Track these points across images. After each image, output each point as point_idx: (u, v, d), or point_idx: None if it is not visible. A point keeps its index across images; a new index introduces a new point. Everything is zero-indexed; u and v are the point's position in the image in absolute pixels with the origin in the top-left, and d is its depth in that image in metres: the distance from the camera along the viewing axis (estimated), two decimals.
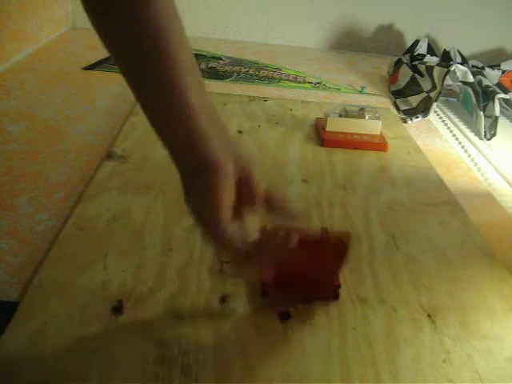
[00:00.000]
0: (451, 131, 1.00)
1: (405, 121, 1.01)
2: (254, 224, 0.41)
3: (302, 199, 0.66)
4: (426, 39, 1.36)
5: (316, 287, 0.48)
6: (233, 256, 0.40)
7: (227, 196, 0.37)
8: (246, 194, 0.39)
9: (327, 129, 0.84)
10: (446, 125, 1.03)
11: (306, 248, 0.42)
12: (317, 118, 0.91)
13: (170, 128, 0.37)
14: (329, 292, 0.48)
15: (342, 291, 0.48)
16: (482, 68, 1.21)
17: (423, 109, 1.04)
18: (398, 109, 1.08)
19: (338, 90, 1.19)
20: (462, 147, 0.93)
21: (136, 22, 0.34)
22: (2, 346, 0.39)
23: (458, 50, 1.27)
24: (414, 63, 1.19)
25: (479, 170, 0.84)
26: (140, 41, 0.35)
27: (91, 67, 1.15)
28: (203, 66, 1.25)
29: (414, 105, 1.07)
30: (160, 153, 0.72)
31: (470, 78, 1.04)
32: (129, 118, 0.83)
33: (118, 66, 0.37)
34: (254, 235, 0.40)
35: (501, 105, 1.02)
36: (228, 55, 1.36)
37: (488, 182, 0.80)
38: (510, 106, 1.09)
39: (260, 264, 0.42)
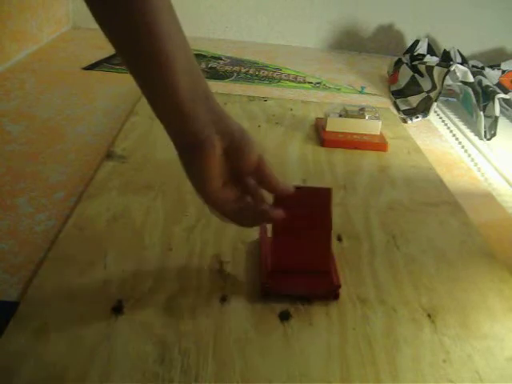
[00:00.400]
0: (451, 131, 1.00)
1: (405, 121, 1.01)
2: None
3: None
4: (426, 39, 1.36)
5: (314, 261, 0.48)
6: (222, 216, 0.45)
7: (213, 167, 0.41)
8: (238, 163, 0.43)
9: (327, 129, 0.84)
10: (445, 125, 1.03)
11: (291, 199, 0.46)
12: (317, 118, 0.91)
13: (163, 111, 0.41)
14: (325, 266, 0.48)
15: (342, 291, 0.48)
16: (482, 68, 1.21)
17: (423, 109, 1.04)
18: (398, 109, 1.08)
19: (338, 90, 1.19)
20: (462, 147, 0.93)
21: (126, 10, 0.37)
22: (2, 346, 0.39)
23: (458, 50, 1.27)
24: (413, 63, 1.19)
25: (479, 169, 0.84)
26: (130, 26, 0.38)
27: (91, 67, 1.15)
28: (203, 65, 1.25)
29: (414, 105, 1.07)
30: (160, 153, 0.72)
31: (470, 78, 1.04)
32: (129, 118, 0.83)
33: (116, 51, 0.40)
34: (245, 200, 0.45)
35: (501, 105, 1.02)
36: (228, 55, 1.36)
37: (488, 181, 0.80)
38: (510, 106, 1.09)
39: (242, 224, 0.46)
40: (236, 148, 0.42)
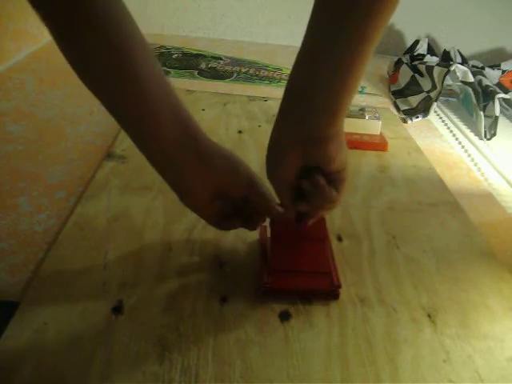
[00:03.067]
0: (451, 131, 1.00)
1: (405, 121, 1.01)
2: None
3: None
4: (426, 39, 1.35)
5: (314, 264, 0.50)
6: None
7: (199, 203, 0.46)
8: (226, 193, 0.46)
9: None
10: (446, 125, 1.03)
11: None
12: None
13: (151, 159, 0.43)
14: (326, 268, 0.49)
15: (342, 291, 0.48)
16: (482, 68, 1.21)
17: (423, 109, 1.04)
18: (398, 109, 1.08)
19: None
20: (462, 147, 0.93)
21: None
22: (2, 346, 0.39)
23: (458, 50, 1.27)
24: (413, 63, 1.19)
25: (479, 169, 0.84)
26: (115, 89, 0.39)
27: None
28: (203, 66, 1.25)
29: (414, 105, 1.07)
30: None
31: (470, 78, 1.04)
32: None
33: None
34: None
35: (501, 105, 1.02)
36: (228, 55, 1.36)
37: (488, 181, 0.80)
38: (510, 106, 1.09)
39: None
40: (224, 183, 0.45)
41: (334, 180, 0.44)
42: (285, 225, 0.50)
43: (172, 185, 0.44)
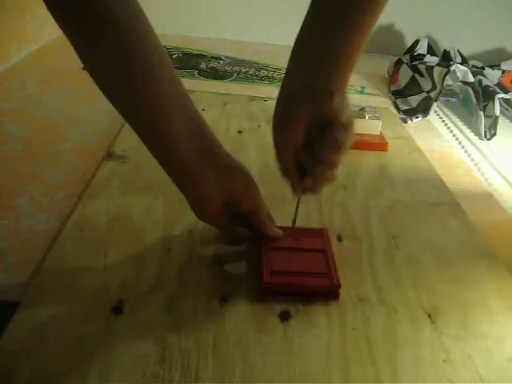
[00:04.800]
0: (451, 131, 1.00)
1: (405, 121, 1.01)
2: None
3: (302, 199, 0.65)
4: (426, 39, 1.35)
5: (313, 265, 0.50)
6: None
7: (210, 212, 0.48)
8: (234, 209, 0.49)
9: None
10: (446, 125, 1.03)
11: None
12: None
13: (170, 172, 0.47)
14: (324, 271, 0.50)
15: (342, 291, 0.48)
16: (482, 68, 1.21)
17: (423, 109, 1.04)
18: (398, 109, 1.08)
19: None
20: (462, 147, 0.93)
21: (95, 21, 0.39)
22: (1, 346, 0.39)
23: (458, 50, 1.27)
24: (413, 63, 1.19)
25: (479, 170, 0.84)
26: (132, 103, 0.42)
27: None
28: (203, 66, 1.25)
29: (414, 105, 1.07)
30: None
31: (470, 78, 1.04)
32: None
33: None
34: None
35: (501, 105, 1.02)
36: (228, 55, 1.36)
37: (488, 182, 0.80)
38: (510, 106, 1.09)
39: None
40: (237, 197, 0.48)
41: (341, 136, 0.44)
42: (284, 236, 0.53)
43: (187, 195, 0.47)
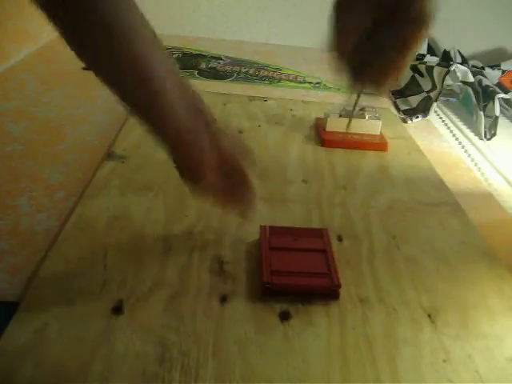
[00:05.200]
0: (451, 131, 1.00)
1: (405, 121, 1.01)
2: None
3: (302, 199, 0.66)
4: (426, 39, 1.35)
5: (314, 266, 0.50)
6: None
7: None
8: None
9: (327, 129, 0.84)
10: (446, 125, 1.03)
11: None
12: (317, 118, 0.91)
13: (165, 142, 0.47)
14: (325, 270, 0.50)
15: (342, 291, 0.48)
16: (482, 68, 1.21)
17: (423, 109, 1.04)
18: (398, 109, 1.08)
19: (338, 90, 1.19)
20: (462, 147, 0.93)
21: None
22: (2, 346, 0.39)
23: (458, 50, 1.27)
24: (413, 63, 1.19)
25: (479, 170, 0.84)
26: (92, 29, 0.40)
27: None
28: (203, 66, 1.25)
29: (414, 105, 1.07)
30: (160, 153, 0.72)
31: (470, 78, 1.04)
32: (129, 118, 0.83)
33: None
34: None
35: (501, 105, 1.02)
36: (228, 55, 1.36)
37: (488, 182, 0.80)
38: (510, 106, 1.09)
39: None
40: (224, 155, 0.49)
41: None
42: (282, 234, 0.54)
43: (184, 156, 0.46)
